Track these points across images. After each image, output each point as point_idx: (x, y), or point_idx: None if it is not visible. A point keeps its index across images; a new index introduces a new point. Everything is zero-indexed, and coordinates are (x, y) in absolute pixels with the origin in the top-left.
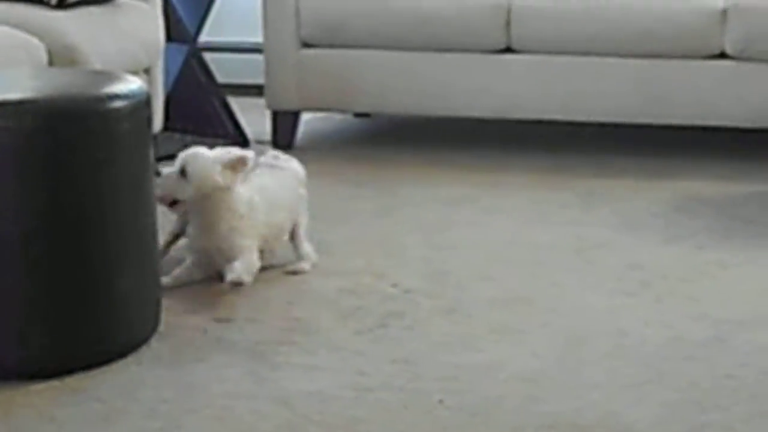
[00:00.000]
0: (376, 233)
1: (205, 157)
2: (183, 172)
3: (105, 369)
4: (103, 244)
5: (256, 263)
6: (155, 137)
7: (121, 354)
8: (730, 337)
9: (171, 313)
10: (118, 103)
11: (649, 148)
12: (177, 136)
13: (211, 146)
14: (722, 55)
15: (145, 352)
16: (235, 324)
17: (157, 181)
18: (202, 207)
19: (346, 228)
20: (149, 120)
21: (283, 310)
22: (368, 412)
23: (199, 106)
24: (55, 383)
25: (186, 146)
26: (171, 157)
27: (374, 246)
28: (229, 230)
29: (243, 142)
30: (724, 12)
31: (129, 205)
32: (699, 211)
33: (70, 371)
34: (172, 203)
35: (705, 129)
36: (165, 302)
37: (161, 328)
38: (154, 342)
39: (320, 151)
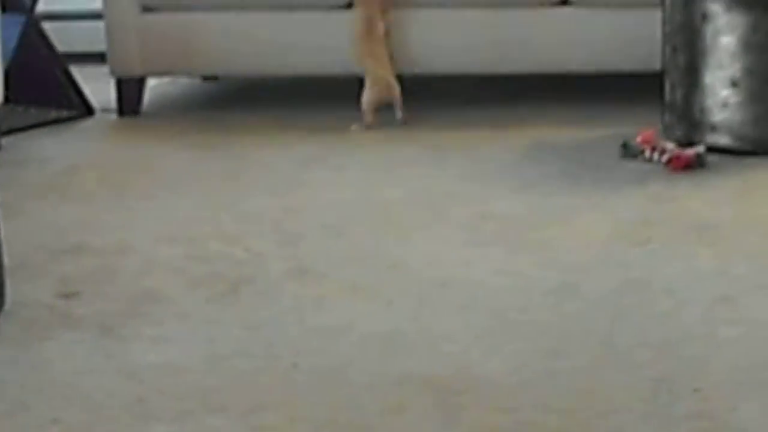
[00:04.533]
0: (226, 197)
1: None
2: None
3: None
4: None
5: None
6: None
7: None
8: (580, 282)
9: (16, 291)
10: None
11: (497, 98)
12: (20, 109)
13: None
14: (564, 2)
15: None
16: (82, 298)
17: None
18: None
19: (195, 193)
20: None
21: (131, 281)
22: (221, 381)
23: (40, 77)
24: None
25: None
26: (15, 131)
27: (224, 210)
28: None
29: (88, 111)
30: None
31: None
32: (548, 158)
33: None
34: None
35: (550, 76)
36: (9, 280)
37: (7, 306)
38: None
39: (168, 117)
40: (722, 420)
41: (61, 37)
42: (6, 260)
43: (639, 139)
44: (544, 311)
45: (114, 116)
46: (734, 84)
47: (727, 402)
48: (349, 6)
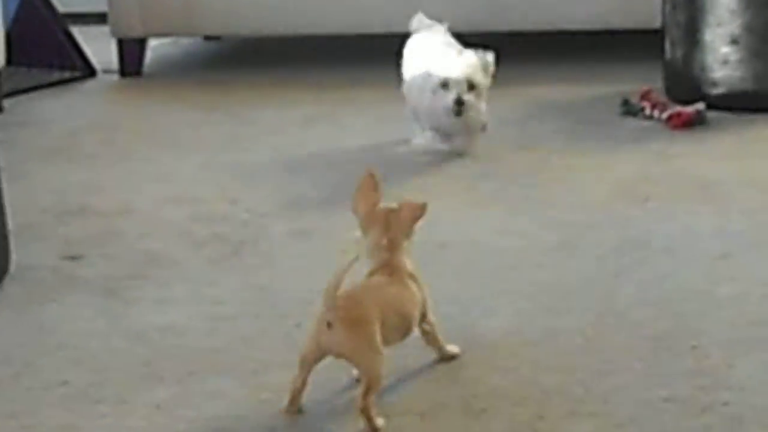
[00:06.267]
0: (228, 158)
1: None
2: None
3: None
4: None
5: None
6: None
7: None
8: (580, 242)
9: (21, 254)
10: None
11: (497, 56)
12: (23, 70)
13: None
14: None
15: None
16: (86, 260)
17: None
18: None
19: (198, 154)
20: None
21: (134, 243)
22: (225, 341)
23: (42, 38)
24: None
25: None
26: (17, 92)
27: (227, 172)
28: None
29: (90, 72)
30: None
31: None
32: (548, 116)
33: None
34: None
35: (550, 34)
36: (13, 243)
37: (12, 269)
38: (5, 285)
39: (170, 77)
40: (720, 377)
41: None
42: (10, 223)
43: (639, 96)
44: (544, 271)
45: (116, 77)
46: (734, 41)
47: (725, 359)
48: None
